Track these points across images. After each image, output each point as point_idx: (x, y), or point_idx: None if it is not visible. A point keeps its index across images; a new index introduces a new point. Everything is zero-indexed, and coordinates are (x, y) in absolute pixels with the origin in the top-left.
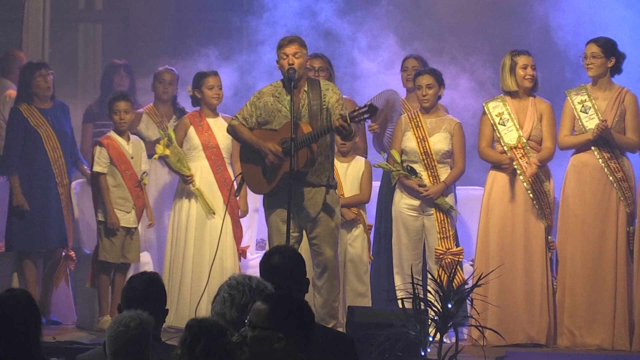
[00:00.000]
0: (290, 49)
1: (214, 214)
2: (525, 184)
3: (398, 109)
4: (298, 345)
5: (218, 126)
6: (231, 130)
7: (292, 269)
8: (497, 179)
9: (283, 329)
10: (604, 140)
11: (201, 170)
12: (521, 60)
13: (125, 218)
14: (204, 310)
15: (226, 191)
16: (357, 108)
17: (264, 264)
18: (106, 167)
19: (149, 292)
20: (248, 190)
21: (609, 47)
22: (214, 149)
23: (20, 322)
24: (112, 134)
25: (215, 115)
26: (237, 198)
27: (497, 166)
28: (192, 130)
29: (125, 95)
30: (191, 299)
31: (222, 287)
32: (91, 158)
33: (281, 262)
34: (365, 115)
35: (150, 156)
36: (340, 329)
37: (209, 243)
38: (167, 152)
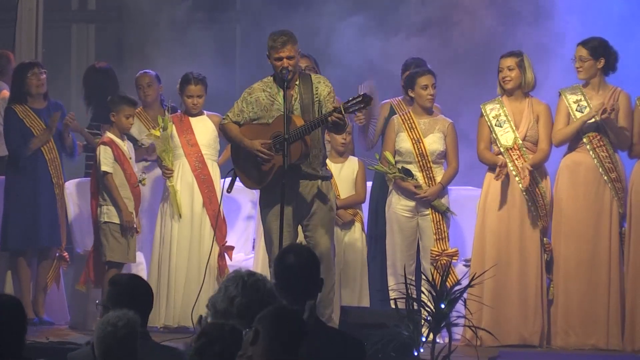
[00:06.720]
0: (284, 52)
1: (180, 216)
2: (520, 186)
3: (375, 97)
4: (270, 354)
5: (201, 125)
6: (222, 129)
7: (307, 269)
8: (494, 181)
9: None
10: (600, 140)
11: (182, 169)
12: (501, 62)
13: None
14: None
15: (205, 188)
16: (350, 98)
17: (279, 263)
18: (112, 166)
19: (134, 291)
20: (236, 193)
21: (597, 49)
22: (193, 147)
23: (5, 324)
24: (110, 134)
25: (199, 114)
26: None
27: (494, 168)
28: (174, 129)
29: (134, 102)
30: (182, 298)
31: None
32: (94, 158)
33: (296, 262)
34: (360, 105)
35: (136, 156)
36: None
37: (193, 242)
38: (157, 133)
